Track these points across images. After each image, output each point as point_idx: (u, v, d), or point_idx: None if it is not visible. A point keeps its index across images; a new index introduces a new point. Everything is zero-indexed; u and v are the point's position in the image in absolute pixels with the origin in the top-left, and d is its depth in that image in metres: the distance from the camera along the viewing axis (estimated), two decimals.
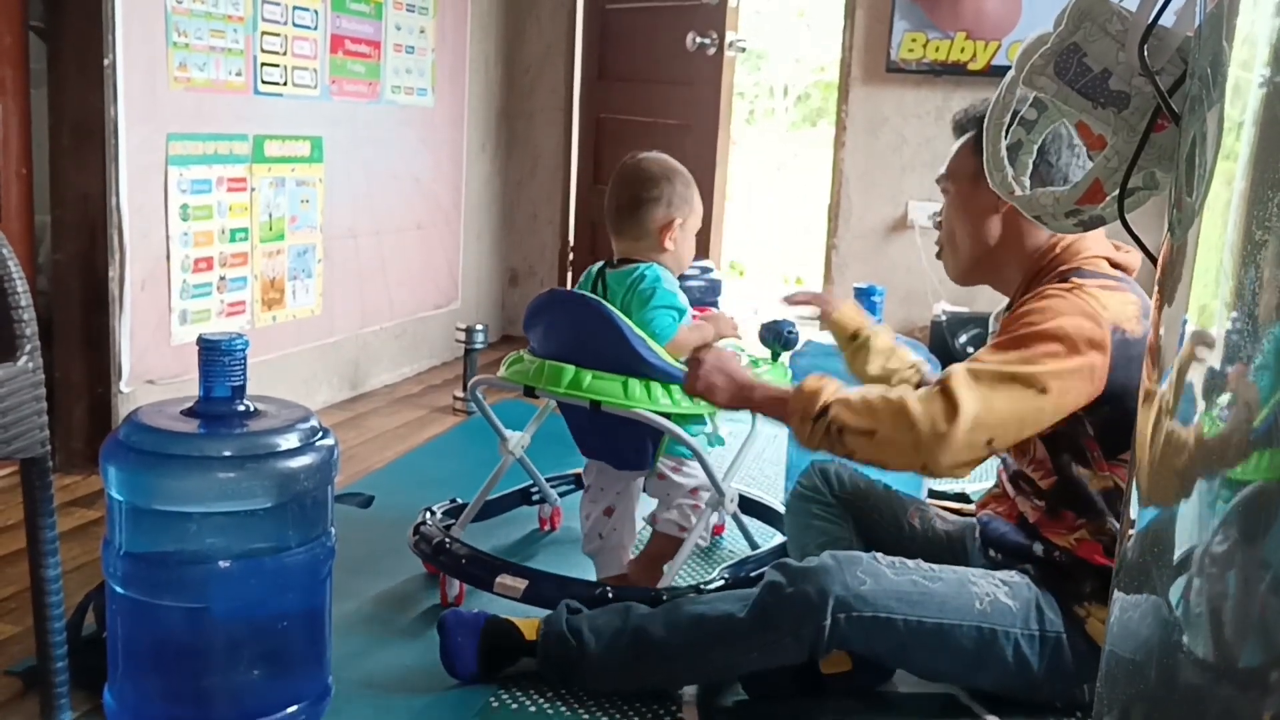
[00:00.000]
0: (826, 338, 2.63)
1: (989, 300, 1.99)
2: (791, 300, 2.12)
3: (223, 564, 1.46)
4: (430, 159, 4.08)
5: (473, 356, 3.67)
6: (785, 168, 12.17)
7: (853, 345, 2.08)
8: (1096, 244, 1.71)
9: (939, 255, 1.88)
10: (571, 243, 4.83)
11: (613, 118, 4.58)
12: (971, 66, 4.00)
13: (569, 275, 4.86)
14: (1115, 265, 1.72)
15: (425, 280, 4.14)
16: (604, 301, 1.97)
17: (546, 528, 2.53)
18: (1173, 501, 0.88)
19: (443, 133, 4.15)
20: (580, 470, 2.49)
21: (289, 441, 1.48)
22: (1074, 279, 1.65)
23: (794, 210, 10.61)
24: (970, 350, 3.75)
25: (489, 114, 4.54)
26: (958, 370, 1.53)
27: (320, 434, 1.54)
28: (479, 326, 3.65)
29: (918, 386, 2.04)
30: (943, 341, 3.83)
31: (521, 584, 1.93)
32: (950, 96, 4.11)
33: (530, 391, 1.99)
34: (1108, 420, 1.63)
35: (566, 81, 4.67)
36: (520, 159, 4.75)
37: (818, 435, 1.56)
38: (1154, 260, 1.05)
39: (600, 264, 2.11)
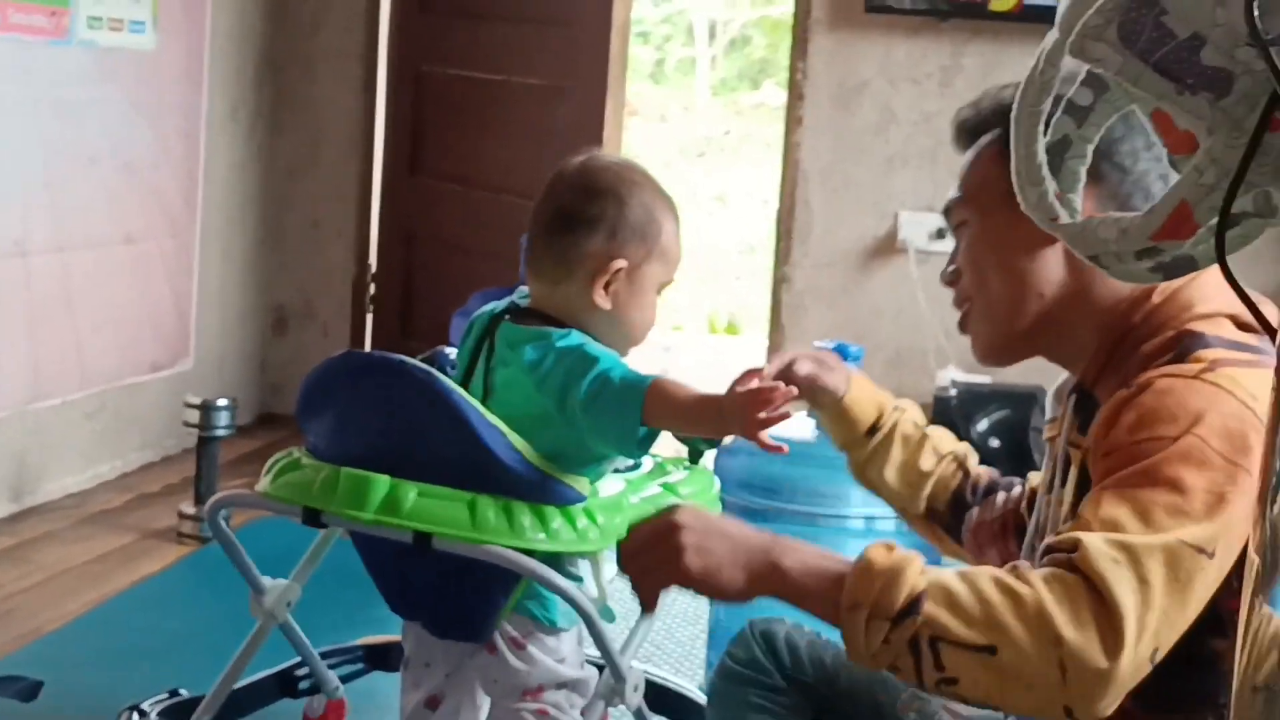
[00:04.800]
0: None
1: (1020, 367, 2.01)
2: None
3: None
4: (149, 133, 4.03)
5: (211, 448, 3.60)
6: (712, 152, 12.32)
7: (869, 442, 2.09)
8: (1215, 291, 1.73)
9: (962, 325, 1.90)
10: (374, 267, 4.79)
11: (441, 72, 4.58)
12: (995, 5, 4.09)
13: (368, 318, 4.82)
14: (1241, 326, 1.75)
15: (137, 325, 4.07)
16: (435, 372, 1.95)
17: None
18: None
19: (170, 92, 4.10)
20: (374, 639, 2.45)
21: None
22: (1199, 353, 1.67)
23: (725, 219, 10.71)
24: (995, 443, 3.81)
25: (244, 62, 4.49)
26: (1100, 550, 1.51)
27: None
28: (222, 402, 3.59)
29: (958, 490, 2.08)
30: (951, 426, 3.88)
31: None
32: (962, 52, 4.20)
33: (314, 517, 1.96)
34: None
35: (370, 13, 4.65)
36: (294, 134, 4.72)
37: (896, 646, 1.52)
38: (1271, 332, 1.07)
39: (501, 306, 2.08)
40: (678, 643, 3.02)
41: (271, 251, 4.77)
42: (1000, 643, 1.47)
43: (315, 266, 4.80)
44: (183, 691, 2.28)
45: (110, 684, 2.49)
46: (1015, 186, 1.45)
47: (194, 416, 3.58)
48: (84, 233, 3.83)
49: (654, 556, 1.61)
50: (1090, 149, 1.47)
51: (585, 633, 2.02)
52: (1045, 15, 4.06)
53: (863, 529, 2.55)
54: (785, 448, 1.89)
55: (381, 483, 1.92)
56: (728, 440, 2.42)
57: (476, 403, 1.93)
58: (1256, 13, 1.16)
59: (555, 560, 1.94)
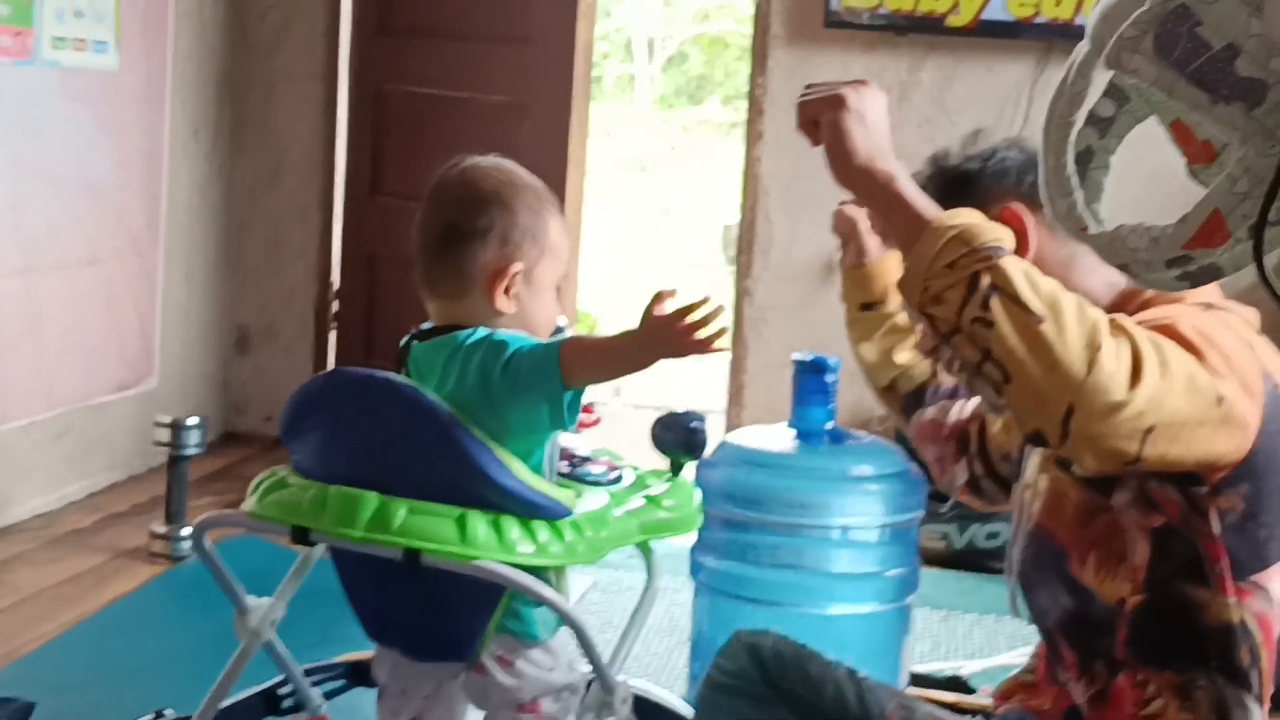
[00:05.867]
0: (746, 439, 2.65)
1: None
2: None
3: None
4: (113, 154, 4.01)
5: (181, 467, 3.58)
6: (655, 167, 12.35)
7: (862, 314, 2.25)
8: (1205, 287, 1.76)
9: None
10: (336, 286, 4.78)
11: (402, 91, 4.57)
12: (952, 20, 4.11)
13: (331, 336, 4.80)
14: None
15: (102, 345, 4.06)
16: (421, 388, 1.94)
17: None
18: None
19: (133, 113, 4.08)
20: (357, 655, 2.43)
21: None
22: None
23: (670, 233, 10.72)
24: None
25: (204, 82, 4.48)
26: (1137, 329, 1.56)
27: None
28: (193, 421, 3.57)
29: (922, 386, 2.27)
30: None
31: None
32: (920, 65, 4.22)
33: (303, 536, 1.96)
34: (1245, 513, 1.68)
35: (329, 33, 4.64)
36: (255, 155, 4.71)
37: (958, 273, 1.54)
38: None
39: (403, 341, 2.08)
40: (654, 654, 3.03)
41: (233, 271, 4.76)
42: (1052, 318, 1.52)
43: (277, 286, 4.78)
44: (169, 712, 2.27)
45: (95, 705, 2.47)
46: (1044, 198, 1.46)
47: (164, 435, 3.56)
48: (49, 254, 3.81)
49: (824, 96, 1.76)
50: (1112, 159, 1.47)
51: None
52: (1001, 30, 4.15)
53: (839, 539, 2.54)
54: (726, 348, 1.99)
55: (371, 500, 1.91)
56: (709, 452, 2.42)
57: (463, 418, 1.93)
58: None
59: (530, 574, 1.94)
